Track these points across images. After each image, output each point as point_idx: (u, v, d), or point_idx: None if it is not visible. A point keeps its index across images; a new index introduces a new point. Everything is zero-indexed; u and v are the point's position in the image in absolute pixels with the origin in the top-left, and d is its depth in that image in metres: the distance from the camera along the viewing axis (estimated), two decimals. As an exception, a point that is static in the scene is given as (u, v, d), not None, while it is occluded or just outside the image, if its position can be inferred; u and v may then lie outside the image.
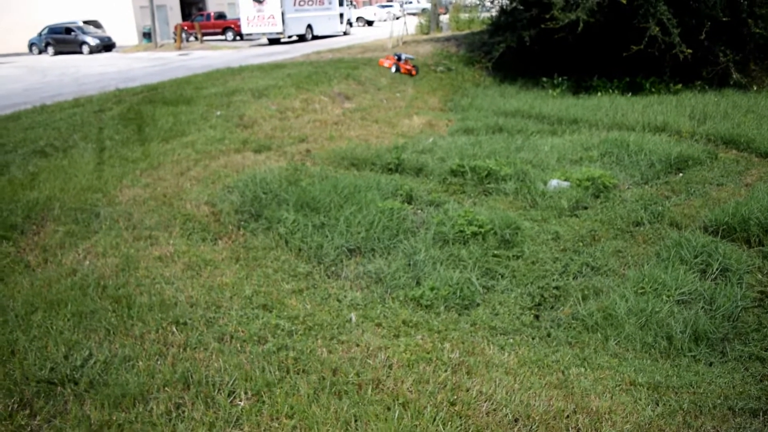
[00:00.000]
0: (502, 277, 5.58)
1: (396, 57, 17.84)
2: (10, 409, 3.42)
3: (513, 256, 5.97)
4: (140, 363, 3.76)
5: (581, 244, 6.35)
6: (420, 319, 4.55)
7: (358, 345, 4.05)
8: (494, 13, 21.30)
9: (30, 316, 4.38)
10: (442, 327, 4.47)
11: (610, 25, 15.60)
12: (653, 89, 15.18)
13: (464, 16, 30.85)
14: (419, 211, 6.91)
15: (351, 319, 4.45)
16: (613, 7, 14.89)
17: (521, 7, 18.43)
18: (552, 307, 5.20)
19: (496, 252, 5.94)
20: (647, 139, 9.73)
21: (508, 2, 19.88)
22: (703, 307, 4.97)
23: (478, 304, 5.08)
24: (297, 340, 4.05)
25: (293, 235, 6.02)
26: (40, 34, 37.25)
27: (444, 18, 31.91)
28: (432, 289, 5.07)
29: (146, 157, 8.77)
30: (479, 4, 22.98)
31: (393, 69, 17.30)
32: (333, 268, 5.49)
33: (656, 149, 9.08)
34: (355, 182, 7.24)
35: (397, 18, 28.55)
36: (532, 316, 5.03)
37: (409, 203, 7.07)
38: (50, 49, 36.12)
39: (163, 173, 8.05)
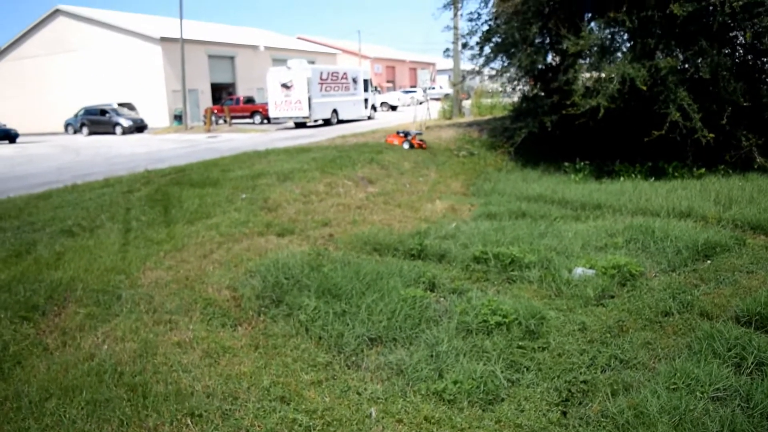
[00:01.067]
0: (527, 370, 5.41)
1: (403, 134, 18.81)
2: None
3: (538, 347, 5.80)
4: (152, 458, 3.65)
5: (609, 335, 6.16)
6: (443, 416, 4.38)
7: (377, 443, 3.90)
8: (516, 99, 21.75)
9: (44, 403, 4.31)
10: (466, 424, 4.30)
11: (631, 111, 15.80)
12: (676, 174, 15.16)
13: (486, 101, 31.52)
14: (442, 299, 6.80)
15: (371, 414, 4.30)
16: (633, 94, 15.11)
17: (542, 94, 18.84)
18: (580, 403, 5.00)
19: (520, 343, 5.78)
20: (673, 225, 9.61)
21: (529, 89, 20.32)
22: (739, 405, 4.73)
23: (502, 399, 4.90)
24: (314, 437, 3.91)
25: (314, 322, 5.94)
26: (76, 115, 38.74)
27: (466, 103, 32.61)
28: (455, 382, 4.91)
29: (171, 239, 8.84)
30: (501, 91, 23.46)
31: (406, 146, 18.18)
32: (353, 358, 5.37)
33: (682, 235, 8.95)
34: (377, 268, 7.19)
35: (421, 103, 29.22)
36: (559, 412, 4.83)
37: (432, 291, 6.98)
38: (85, 130, 37.47)
39: (187, 255, 8.09)
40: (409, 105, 52.63)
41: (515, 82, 20.33)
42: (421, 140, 18.77)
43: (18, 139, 35.48)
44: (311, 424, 4.09)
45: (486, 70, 21.49)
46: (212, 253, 8.24)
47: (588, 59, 16.57)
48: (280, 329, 5.88)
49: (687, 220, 10.34)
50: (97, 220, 10.07)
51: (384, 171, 14.71)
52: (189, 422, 4.06)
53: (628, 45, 17.16)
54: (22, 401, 4.33)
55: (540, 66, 18.46)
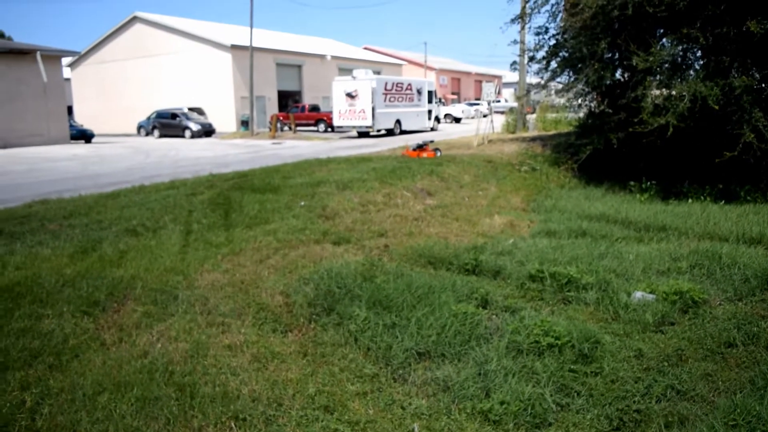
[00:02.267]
0: (578, 394, 5.26)
1: (418, 147, 19.50)
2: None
3: (591, 372, 5.63)
4: (195, 459, 3.70)
5: (666, 363, 5.92)
6: (487, 437, 4.30)
7: (418, 461, 3.85)
8: (581, 114, 21.33)
9: (97, 397, 4.44)
10: (511, 446, 4.21)
11: (702, 131, 15.25)
12: (749, 197, 14.50)
13: (551, 116, 31.05)
14: (494, 316, 6.69)
15: (413, 430, 4.25)
16: (704, 113, 14.58)
17: (609, 110, 18.38)
18: (632, 433, 4.82)
19: (572, 366, 5.63)
20: (741, 252, 9.20)
21: (595, 105, 19.90)
22: (803, 447, 4.47)
23: (550, 424, 4.77)
24: (355, 450, 3.90)
25: (363, 333, 5.93)
26: (148, 118, 40.16)
27: (531, 117, 32.21)
28: (502, 403, 4.81)
29: (229, 243, 9.02)
30: (567, 106, 23.07)
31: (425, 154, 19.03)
32: (400, 372, 5.33)
33: (751, 263, 8.55)
34: (430, 282, 7.14)
35: (485, 116, 29.02)
36: (609, 441, 4.67)
37: (484, 308, 6.87)
38: (156, 132, 38.78)
39: (244, 260, 8.23)
40: (472, 117, 52.43)
41: (581, 98, 19.96)
42: (435, 149, 19.79)
43: (93, 140, 37.01)
44: (353, 436, 4.08)
45: (552, 85, 21.20)
46: (268, 258, 8.35)
47: (658, 76, 16.09)
48: (330, 338, 5.90)
49: (757, 246, 9.88)
50: (160, 221, 10.37)
51: (443, 183, 14.64)
52: (233, 425, 4.11)
53: (700, 62, 16.62)
54: (76, 393, 4.47)
55: (607, 82, 18.03)
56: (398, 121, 34.11)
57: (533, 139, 22.96)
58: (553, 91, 22.90)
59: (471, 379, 5.22)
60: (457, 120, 51.63)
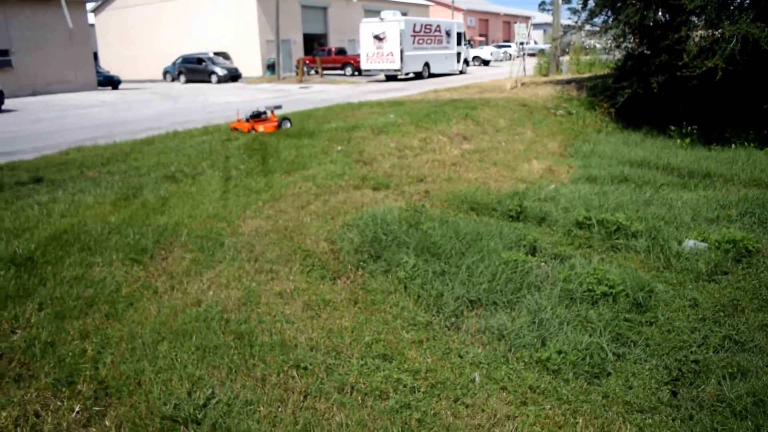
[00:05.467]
0: (634, 344, 5.17)
1: (251, 118, 13.92)
2: (135, 445, 3.44)
3: (646, 321, 5.53)
4: (261, 409, 3.70)
5: (722, 314, 5.80)
6: (548, 386, 4.24)
7: (483, 410, 3.82)
8: (618, 56, 20.66)
9: (156, 346, 4.45)
10: (573, 397, 4.15)
11: (749, 74, 14.68)
12: (797, 144, 14.06)
13: (585, 58, 30.19)
14: (543, 264, 6.58)
15: (474, 379, 4.21)
16: (754, 55, 14.01)
17: (649, 52, 17.77)
18: (691, 384, 4.73)
19: (627, 316, 5.53)
20: (793, 200, 8.93)
21: (635, 46, 19.23)
22: None
23: (609, 374, 4.70)
24: (420, 399, 3.87)
25: (413, 280, 5.87)
26: (174, 63, 39.91)
27: (564, 59, 31.34)
28: (559, 352, 4.75)
29: (269, 189, 8.96)
30: (603, 48, 22.34)
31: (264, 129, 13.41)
32: (453, 320, 5.28)
33: (805, 211, 8.30)
34: (477, 229, 7.03)
35: (516, 58, 28.26)
36: (668, 392, 4.60)
37: (533, 255, 6.76)
38: (182, 78, 38.60)
39: (285, 206, 8.18)
40: (501, 60, 51.29)
41: (620, 39, 19.29)
42: (283, 118, 13.99)
43: (120, 86, 36.94)
44: (415, 385, 4.05)
45: (587, 26, 20.48)
46: (309, 204, 8.29)
47: (703, 16, 15.42)
48: (379, 285, 5.85)
49: (810, 194, 9.58)
50: (198, 167, 10.33)
51: (479, 128, 14.37)
52: (295, 374, 4.10)
53: (749, 1, 15.87)
54: (136, 342, 4.49)
55: (649, 22, 17.35)
56: (427, 64, 33.42)
57: (568, 82, 22.38)
58: (588, 33, 22.11)
59: (526, 328, 5.16)
60: (486, 63, 50.52)
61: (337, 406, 3.74)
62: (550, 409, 3.93)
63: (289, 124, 13.97)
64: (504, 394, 4.08)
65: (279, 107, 14.68)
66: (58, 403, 3.84)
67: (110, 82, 36.55)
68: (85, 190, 9.03)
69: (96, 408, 3.78)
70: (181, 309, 5.06)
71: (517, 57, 27.72)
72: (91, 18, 45.65)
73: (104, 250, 6.32)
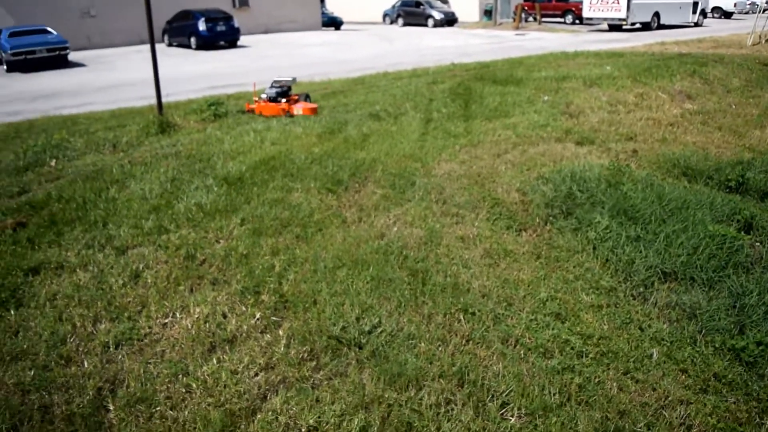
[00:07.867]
0: None
1: (268, 98, 10.83)
2: (300, 356, 3.65)
3: None
4: (422, 345, 3.72)
5: None
6: (736, 377, 3.75)
7: (654, 389, 3.49)
8: None
9: (336, 271, 4.66)
10: (764, 395, 3.64)
11: None
12: None
13: None
14: (758, 243, 5.80)
15: (652, 355, 3.86)
16: None
17: None
18: None
19: None
20: None
21: None
22: None
23: (819, 376, 4.06)
24: (586, 365, 3.63)
25: (603, 242, 5.49)
26: (393, 6, 40.84)
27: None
28: (759, 343, 4.17)
29: (467, 134, 8.88)
30: None
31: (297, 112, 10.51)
32: (641, 289, 4.86)
33: None
34: (684, 196, 6.36)
35: (764, 11, 24.79)
36: None
37: (747, 232, 5.98)
38: (400, 21, 39.47)
39: (481, 152, 8.05)
40: (747, 12, 45.40)
41: None
42: (310, 106, 10.63)
43: (342, 27, 38.66)
44: (584, 349, 3.81)
45: None
46: (506, 152, 8.08)
47: None
48: (566, 242, 5.56)
49: None
50: (401, 108, 10.52)
51: (707, 86, 12.93)
52: (461, 317, 4.05)
53: None
54: (318, 265, 4.73)
55: None
56: (656, 14, 30.56)
57: (828, 40, 19.27)
58: None
59: (723, 311, 4.60)
60: (728, 15, 44.97)
61: (498, 355, 3.64)
62: (734, 402, 3.49)
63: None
64: (683, 377, 3.69)
65: (294, 80, 11.34)
66: (243, 308, 4.20)
67: (333, 23, 38.41)
68: (295, 122, 9.63)
69: (274, 318, 4.07)
70: (365, 240, 5.22)
71: (765, 9, 24.34)
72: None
73: (304, 178, 6.72)
